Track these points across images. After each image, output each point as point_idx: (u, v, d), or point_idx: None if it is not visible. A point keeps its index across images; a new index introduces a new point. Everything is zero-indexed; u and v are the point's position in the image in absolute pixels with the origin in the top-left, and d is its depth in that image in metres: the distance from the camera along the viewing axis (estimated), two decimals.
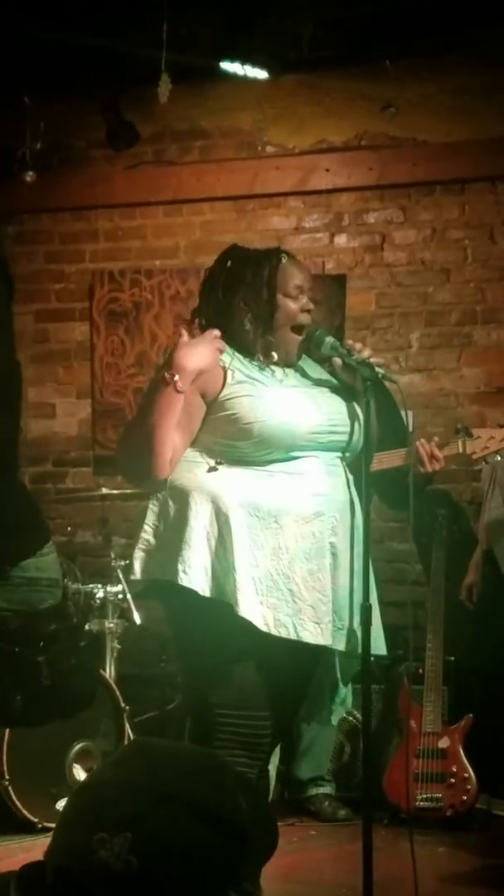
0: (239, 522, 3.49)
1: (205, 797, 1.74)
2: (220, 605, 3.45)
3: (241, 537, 3.48)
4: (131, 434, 3.63)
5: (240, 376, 3.57)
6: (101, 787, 1.76)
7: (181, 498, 3.54)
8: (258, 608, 3.46)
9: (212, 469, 3.57)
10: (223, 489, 3.52)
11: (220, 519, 3.50)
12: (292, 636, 3.47)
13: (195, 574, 3.47)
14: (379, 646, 3.68)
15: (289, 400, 3.59)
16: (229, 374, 3.57)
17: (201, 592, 3.45)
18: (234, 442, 3.54)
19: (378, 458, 4.24)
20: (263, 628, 3.45)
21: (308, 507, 3.54)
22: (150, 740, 1.91)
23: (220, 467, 3.56)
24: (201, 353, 3.48)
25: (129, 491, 5.70)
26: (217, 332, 3.52)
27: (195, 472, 3.57)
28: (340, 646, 3.57)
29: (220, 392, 3.55)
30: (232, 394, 3.55)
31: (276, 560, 3.50)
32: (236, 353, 3.61)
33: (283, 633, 3.46)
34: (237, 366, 3.59)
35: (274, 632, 3.45)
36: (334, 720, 3.82)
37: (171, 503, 3.57)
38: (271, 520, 3.51)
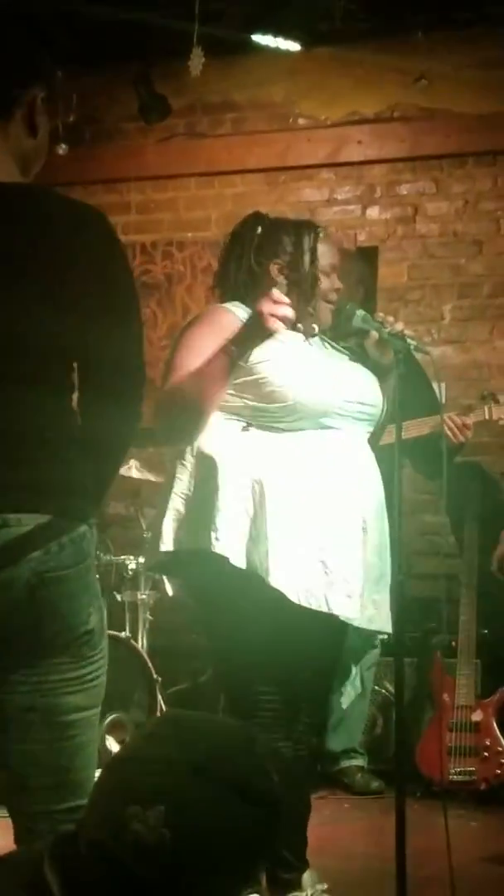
0: (272, 491, 3.44)
1: (237, 770, 1.74)
2: (252, 577, 3.42)
3: (273, 506, 3.43)
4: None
5: (270, 340, 3.49)
6: (133, 760, 1.76)
7: (210, 464, 3.48)
8: (291, 579, 3.41)
9: (244, 428, 3.52)
10: (255, 456, 3.47)
11: (251, 487, 3.45)
12: (324, 609, 3.43)
13: (227, 541, 3.41)
14: (385, 624, 3.64)
15: (320, 367, 3.56)
16: None
17: (233, 560, 3.40)
18: (265, 405, 3.48)
19: (404, 427, 4.22)
20: (295, 600, 3.41)
21: (340, 478, 3.51)
22: (182, 713, 1.91)
23: (251, 430, 3.52)
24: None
25: (160, 463, 5.68)
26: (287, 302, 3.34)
27: (225, 436, 3.50)
28: (358, 622, 3.54)
29: (251, 353, 3.48)
30: (261, 357, 3.44)
31: (308, 531, 3.45)
32: None
33: (314, 606, 3.42)
34: None
35: (305, 604, 3.41)
36: (345, 703, 3.78)
37: (200, 470, 3.51)
38: (304, 491, 3.46)
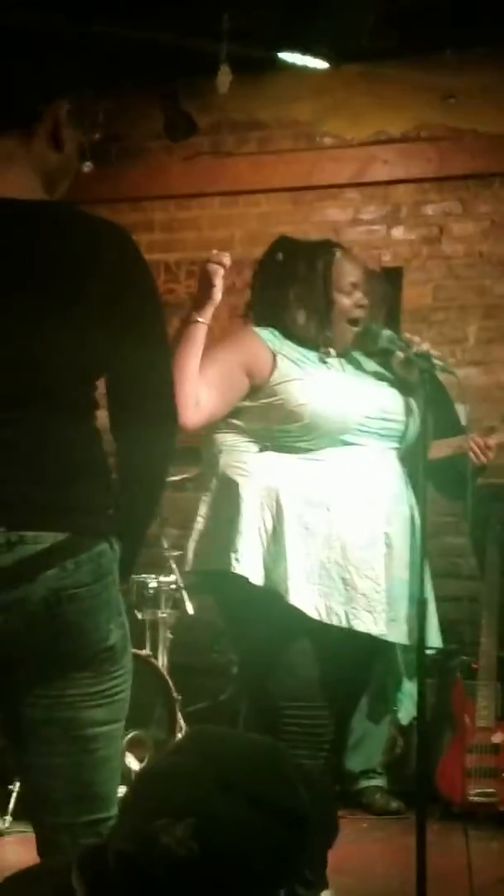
0: (290, 510, 3.49)
1: (265, 786, 1.74)
2: (275, 595, 3.45)
3: (292, 525, 3.48)
4: None
5: (289, 362, 3.57)
6: (162, 774, 1.76)
7: (232, 487, 3.55)
8: (310, 596, 3.45)
9: (261, 450, 3.56)
10: (275, 476, 3.53)
11: (272, 506, 3.50)
12: (344, 624, 3.47)
13: (247, 561, 3.47)
14: (434, 639, 3.66)
15: (339, 385, 3.59)
16: (279, 358, 3.57)
17: (252, 580, 3.46)
18: (284, 426, 3.54)
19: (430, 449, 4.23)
20: (315, 616, 3.45)
21: (359, 495, 3.53)
22: (211, 728, 1.91)
23: (270, 451, 3.56)
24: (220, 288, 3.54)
25: (179, 478, 5.66)
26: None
27: (246, 459, 3.57)
28: (394, 637, 3.55)
29: (270, 377, 3.56)
30: (281, 378, 3.55)
31: (328, 548, 3.49)
32: (287, 340, 3.62)
33: (334, 622, 3.46)
34: (287, 351, 3.59)
35: (326, 620, 3.45)
36: (404, 718, 3.77)
37: (222, 492, 3.58)
38: (323, 507, 3.50)
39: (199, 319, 3.53)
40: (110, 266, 2.38)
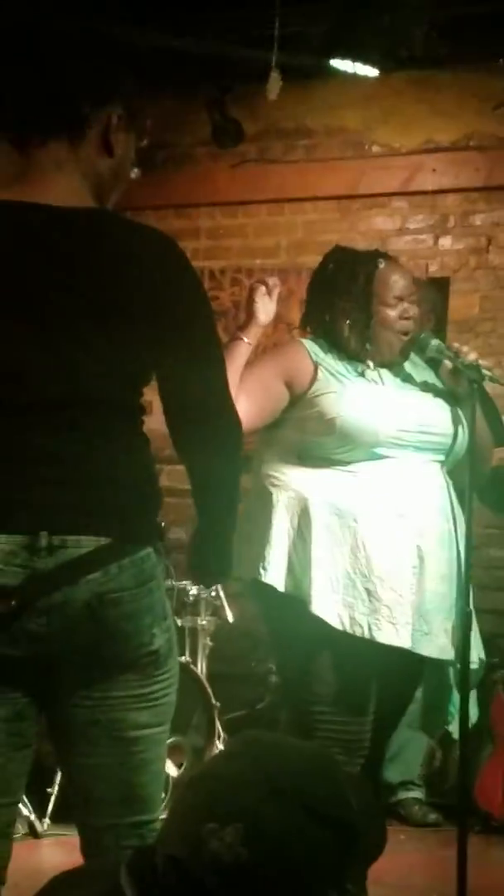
0: (319, 520, 3.51)
1: (316, 793, 1.73)
2: (302, 603, 3.49)
3: (319, 534, 3.50)
4: None
5: (328, 374, 3.60)
6: (212, 779, 1.76)
7: (265, 496, 3.59)
8: (333, 606, 3.47)
9: (298, 459, 3.60)
10: (306, 486, 3.55)
11: (301, 516, 3.53)
12: (366, 636, 3.48)
13: (274, 570, 3.52)
14: (476, 651, 3.64)
15: (375, 398, 3.59)
16: (319, 370, 3.59)
17: (279, 589, 3.50)
18: (318, 438, 3.57)
19: None
20: (339, 626, 3.47)
21: (389, 507, 3.54)
22: (263, 734, 1.91)
23: (305, 462, 3.59)
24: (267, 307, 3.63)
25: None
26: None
27: (282, 470, 3.61)
28: (425, 651, 3.54)
29: (309, 388, 3.58)
30: (319, 390, 3.58)
31: (353, 558, 3.51)
32: (331, 350, 3.63)
33: (357, 632, 3.48)
34: (329, 363, 3.61)
35: (349, 630, 3.47)
36: (454, 730, 3.75)
37: (256, 502, 3.62)
38: (350, 518, 3.52)
39: (243, 338, 3.57)
40: (153, 273, 2.39)
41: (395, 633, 3.49)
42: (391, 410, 3.58)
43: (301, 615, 3.48)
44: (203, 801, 1.73)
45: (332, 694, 3.51)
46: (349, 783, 1.78)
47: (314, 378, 3.59)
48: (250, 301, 3.63)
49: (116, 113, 2.45)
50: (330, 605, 3.47)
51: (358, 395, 3.58)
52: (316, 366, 3.60)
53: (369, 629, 3.48)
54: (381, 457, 3.57)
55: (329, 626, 3.46)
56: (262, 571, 3.52)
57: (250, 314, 3.61)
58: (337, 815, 1.73)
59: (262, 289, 3.61)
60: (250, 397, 3.53)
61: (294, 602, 3.49)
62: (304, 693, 3.55)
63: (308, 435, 3.58)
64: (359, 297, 3.64)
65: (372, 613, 3.48)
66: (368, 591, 3.49)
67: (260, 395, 3.58)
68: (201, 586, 5.66)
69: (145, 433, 2.47)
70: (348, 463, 3.56)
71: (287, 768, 1.75)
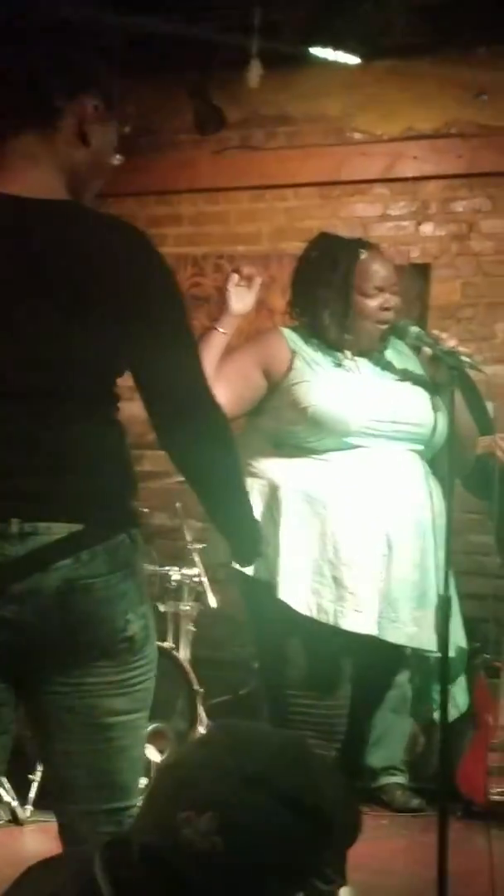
0: (289, 507, 3.55)
1: (289, 781, 1.74)
2: (272, 589, 3.53)
3: (289, 521, 3.54)
4: None
5: (304, 363, 3.62)
6: (188, 766, 1.77)
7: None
8: (301, 592, 3.51)
9: (273, 447, 3.62)
10: (278, 474, 3.59)
11: (273, 503, 3.57)
12: (332, 622, 3.52)
13: None
14: (457, 638, 3.66)
15: (347, 388, 3.60)
16: (296, 359, 3.60)
17: (249, 574, 3.53)
18: (291, 427, 3.60)
19: None
20: (306, 613, 3.52)
21: (359, 495, 3.55)
22: (238, 722, 1.92)
23: (280, 450, 3.63)
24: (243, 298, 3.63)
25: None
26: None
27: (258, 458, 3.64)
28: (392, 637, 3.56)
29: (285, 377, 3.59)
30: (294, 379, 3.62)
31: (322, 546, 3.55)
32: (310, 339, 3.63)
33: (323, 619, 3.52)
34: (306, 351, 3.62)
35: (316, 617, 3.52)
36: (438, 717, 3.77)
37: None
38: (320, 506, 3.55)
39: (217, 328, 3.58)
40: (123, 265, 2.38)
41: (360, 620, 3.51)
42: (364, 400, 3.59)
43: (273, 600, 3.52)
44: (177, 789, 1.73)
45: (303, 677, 3.54)
46: (322, 770, 1.79)
47: (290, 367, 3.60)
48: (224, 291, 3.63)
49: (92, 103, 2.43)
50: (298, 591, 3.51)
51: (330, 385, 3.59)
52: (293, 354, 3.61)
53: (335, 616, 3.51)
54: (353, 446, 3.58)
55: (305, 616, 3.49)
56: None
57: (223, 303, 3.61)
58: (310, 802, 1.74)
59: (236, 278, 3.60)
60: (229, 385, 3.55)
61: (266, 587, 3.53)
62: (277, 676, 3.59)
63: (282, 423, 3.61)
64: (339, 288, 3.65)
65: (338, 601, 3.51)
66: (335, 579, 3.52)
67: (238, 383, 3.60)
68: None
69: (119, 421, 2.47)
70: (321, 452, 3.58)
71: (261, 756, 1.75)
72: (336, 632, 3.51)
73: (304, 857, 1.75)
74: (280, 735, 1.89)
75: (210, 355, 3.49)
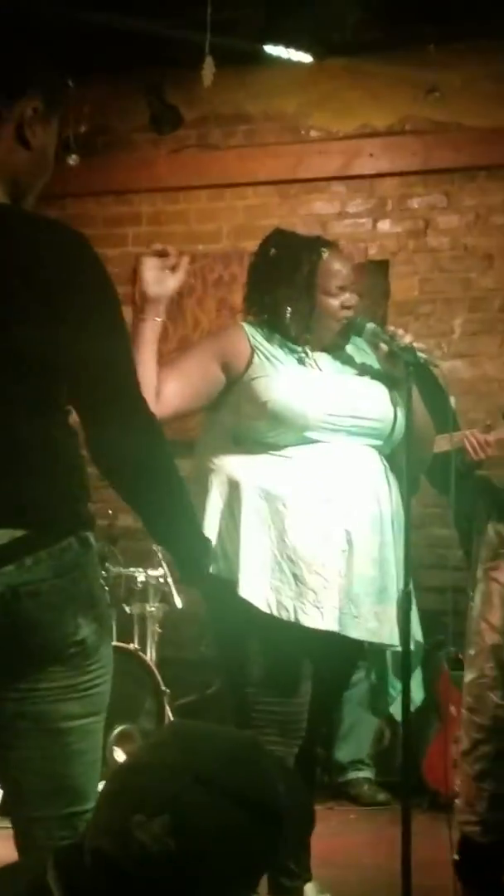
0: (248, 503, 3.54)
1: (241, 780, 1.74)
2: (233, 587, 3.50)
3: (248, 518, 3.53)
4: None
5: (264, 358, 3.61)
6: (138, 769, 1.77)
7: (202, 480, 3.60)
8: (261, 589, 3.50)
9: (234, 443, 3.61)
10: (238, 470, 3.57)
11: (232, 499, 3.55)
12: (292, 619, 3.50)
13: None
14: (415, 632, 3.67)
15: (306, 382, 3.61)
16: (256, 354, 3.60)
17: (211, 571, 3.48)
18: (251, 422, 3.59)
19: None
20: (266, 609, 3.50)
21: (318, 491, 3.56)
22: (187, 722, 1.92)
23: (240, 446, 3.60)
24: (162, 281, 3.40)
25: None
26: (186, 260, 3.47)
27: (217, 454, 3.62)
28: (354, 633, 3.56)
29: (245, 372, 3.59)
30: (253, 374, 3.60)
31: (281, 543, 3.53)
32: (272, 334, 3.64)
33: (284, 616, 3.50)
34: (266, 346, 3.62)
35: (276, 614, 3.50)
36: (397, 713, 3.79)
37: (193, 487, 3.57)
38: (279, 502, 3.54)
39: (143, 318, 3.45)
40: (56, 270, 2.36)
41: (320, 616, 3.51)
42: (322, 395, 3.59)
43: (232, 598, 3.50)
44: (129, 792, 1.74)
45: (263, 676, 3.54)
46: (273, 767, 1.80)
47: (250, 362, 3.60)
48: (138, 276, 3.43)
49: (32, 105, 2.40)
50: (257, 588, 3.50)
51: (289, 380, 3.59)
52: (253, 350, 3.61)
53: (295, 613, 3.50)
54: (312, 441, 3.58)
55: (258, 608, 3.49)
56: None
57: (139, 290, 3.43)
58: (263, 800, 1.74)
59: (148, 262, 3.43)
60: (185, 378, 3.55)
61: (226, 585, 3.51)
62: (239, 676, 3.59)
63: (242, 418, 3.60)
64: (301, 287, 3.64)
65: (298, 597, 3.51)
66: (295, 576, 3.51)
67: (195, 376, 3.58)
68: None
69: (69, 425, 2.46)
70: (280, 447, 3.58)
71: (212, 756, 1.76)
72: (297, 629, 3.51)
73: (258, 854, 1.75)
74: (230, 734, 1.89)
75: (145, 347, 3.43)
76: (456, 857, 3.87)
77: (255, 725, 3.48)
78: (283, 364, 3.62)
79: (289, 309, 3.63)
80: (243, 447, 3.60)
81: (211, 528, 3.55)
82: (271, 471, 3.56)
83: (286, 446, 3.58)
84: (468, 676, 3.95)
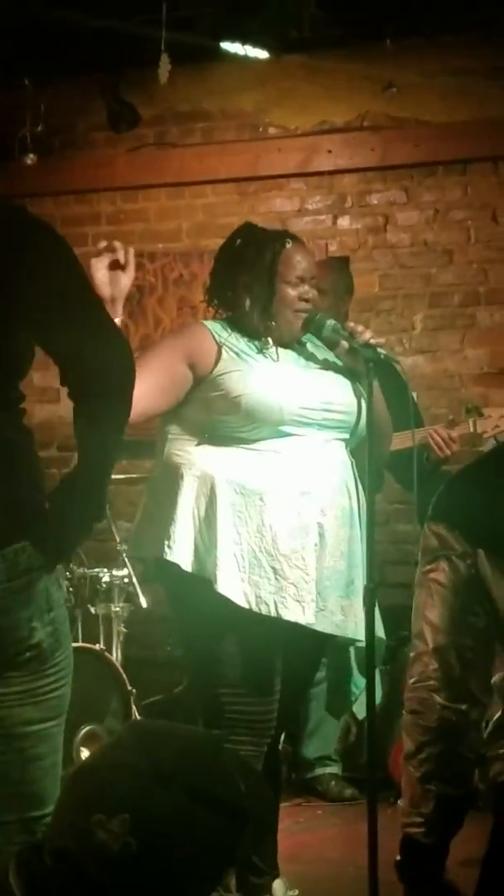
0: (224, 499, 3.53)
1: (202, 778, 1.74)
2: (207, 583, 3.49)
3: (225, 514, 3.52)
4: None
5: (232, 354, 3.61)
6: (99, 769, 1.76)
7: (171, 475, 3.59)
8: (239, 585, 3.49)
9: (204, 439, 3.59)
10: (211, 465, 3.56)
11: (207, 495, 3.54)
12: (273, 614, 3.50)
13: (179, 549, 3.51)
14: (377, 629, 3.68)
15: (278, 376, 3.62)
16: (224, 350, 3.60)
17: (184, 567, 3.50)
18: (223, 417, 3.58)
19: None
20: (244, 605, 3.49)
21: (294, 485, 3.56)
22: (147, 722, 1.93)
23: (211, 441, 3.59)
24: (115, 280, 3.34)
25: (134, 475, 5.69)
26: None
27: (187, 449, 3.61)
28: (320, 626, 3.57)
29: (213, 369, 3.58)
30: (223, 370, 3.60)
31: (259, 537, 3.53)
32: (234, 331, 3.64)
33: (263, 611, 3.49)
34: (232, 342, 3.63)
35: (255, 609, 3.49)
36: (359, 711, 3.79)
37: (162, 480, 3.63)
38: (256, 497, 3.53)
39: None
40: (16, 255, 2.36)
41: (300, 610, 3.51)
42: (294, 389, 3.60)
43: (206, 595, 3.49)
44: (90, 792, 1.73)
45: (238, 676, 3.53)
46: (233, 764, 1.80)
47: (218, 358, 3.60)
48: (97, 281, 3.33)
49: None
50: (236, 583, 3.49)
51: (262, 373, 3.59)
52: (219, 347, 3.61)
53: (276, 607, 3.50)
54: (285, 434, 3.58)
55: (233, 606, 3.47)
56: (166, 549, 3.51)
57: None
58: (223, 797, 1.74)
59: (95, 263, 3.33)
60: (153, 378, 3.53)
61: (198, 582, 3.50)
62: (209, 676, 3.57)
63: (214, 414, 3.59)
64: (262, 274, 3.65)
65: (278, 592, 3.50)
66: (274, 570, 3.51)
67: (162, 376, 3.58)
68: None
69: (25, 426, 2.44)
70: (253, 441, 3.57)
71: (172, 754, 1.76)
72: (268, 625, 3.50)
73: (220, 851, 1.75)
74: (189, 732, 1.89)
75: None
76: (398, 857, 3.89)
77: (226, 726, 3.46)
78: (253, 358, 3.62)
79: (249, 297, 3.64)
80: (215, 441, 3.58)
81: (183, 522, 3.53)
82: (245, 465, 3.55)
83: (259, 440, 3.57)
84: (411, 679, 3.96)
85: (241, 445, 3.58)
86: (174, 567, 3.52)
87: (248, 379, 3.57)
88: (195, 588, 3.52)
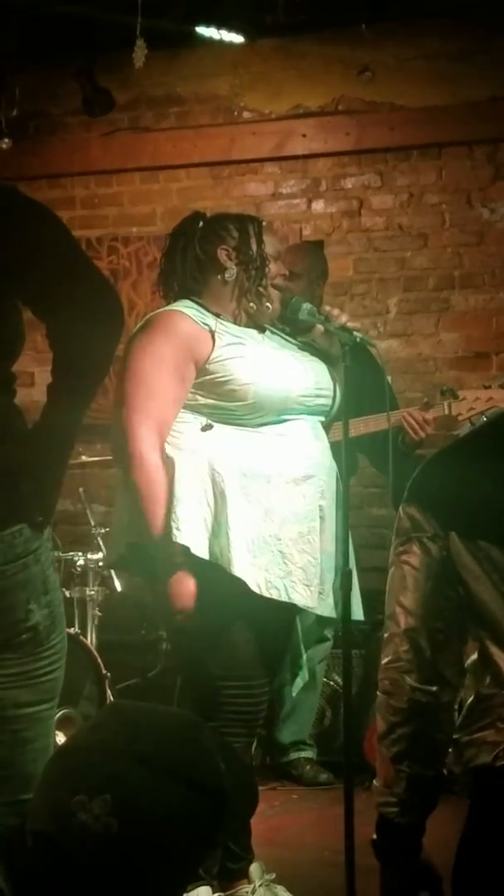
0: (233, 482, 3.49)
1: (182, 759, 1.75)
2: (213, 567, 3.45)
3: (234, 497, 3.48)
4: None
5: (228, 338, 3.57)
6: (79, 750, 1.77)
7: (168, 459, 3.51)
8: (250, 569, 3.46)
9: (206, 427, 3.55)
10: (216, 449, 3.53)
11: (213, 478, 3.50)
12: (283, 598, 3.48)
13: (189, 530, 3.45)
14: (357, 612, 3.69)
15: (280, 362, 3.61)
16: (217, 337, 3.57)
17: (194, 550, 3.45)
18: (226, 403, 3.54)
19: (364, 422, 4.29)
20: (256, 590, 3.46)
21: (299, 469, 3.55)
22: (127, 703, 1.92)
23: (210, 425, 3.56)
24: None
25: (108, 458, 5.70)
26: None
27: (184, 432, 3.56)
28: (321, 610, 3.57)
29: (210, 356, 3.55)
30: (221, 356, 3.55)
31: (267, 521, 3.51)
32: (219, 317, 3.61)
33: (274, 595, 3.47)
34: (223, 328, 3.59)
35: (265, 594, 3.47)
36: (294, 690, 3.80)
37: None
38: (263, 481, 3.52)
39: None
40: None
41: (309, 594, 3.51)
42: (296, 374, 3.60)
43: (212, 580, 3.45)
44: (70, 773, 1.73)
45: (241, 665, 3.50)
46: (213, 744, 1.80)
47: (213, 344, 3.56)
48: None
49: None
50: (248, 567, 3.45)
51: (264, 361, 3.56)
52: (212, 333, 3.57)
53: (286, 591, 3.48)
54: (284, 420, 3.58)
55: (241, 591, 3.44)
56: (175, 531, 3.43)
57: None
58: (204, 778, 1.75)
59: None
60: (167, 394, 3.49)
61: (206, 564, 3.45)
62: (212, 665, 3.53)
63: (212, 399, 3.55)
64: (250, 243, 3.62)
65: (287, 576, 3.49)
66: (283, 554, 3.49)
67: (173, 388, 3.51)
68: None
69: (16, 407, 2.43)
70: (254, 426, 3.56)
71: (152, 735, 1.76)
72: (269, 609, 3.48)
73: (200, 832, 1.76)
74: (170, 713, 1.90)
75: None
76: (374, 837, 3.90)
77: (219, 713, 3.45)
78: (249, 344, 3.58)
79: (236, 268, 3.60)
80: (212, 425, 3.54)
81: (190, 501, 3.46)
82: (250, 450, 3.52)
83: (262, 425, 3.56)
84: (383, 659, 3.97)
85: (244, 429, 3.55)
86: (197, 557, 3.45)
87: (252, 367, 3.54)
88: (197, 572, 3.46)
